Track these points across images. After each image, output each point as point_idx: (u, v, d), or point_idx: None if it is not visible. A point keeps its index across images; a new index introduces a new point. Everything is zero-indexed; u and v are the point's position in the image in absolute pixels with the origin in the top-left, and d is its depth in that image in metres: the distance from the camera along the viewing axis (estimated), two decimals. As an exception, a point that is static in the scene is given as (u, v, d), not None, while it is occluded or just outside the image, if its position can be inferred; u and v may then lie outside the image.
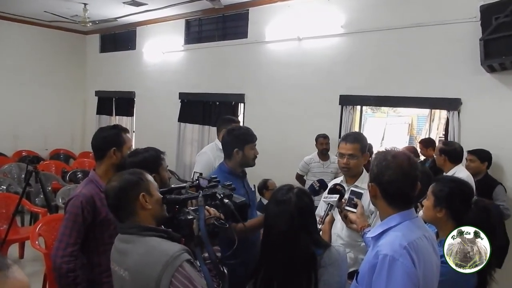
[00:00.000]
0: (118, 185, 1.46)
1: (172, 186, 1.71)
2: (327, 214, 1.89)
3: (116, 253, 1.47)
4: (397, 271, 1.26)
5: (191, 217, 1.50)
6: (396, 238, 1.32)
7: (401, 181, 1.38)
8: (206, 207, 1.56)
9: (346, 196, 2.00)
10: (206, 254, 1.46)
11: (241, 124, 4.17)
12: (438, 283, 1.42)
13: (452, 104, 3.90)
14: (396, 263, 1.26)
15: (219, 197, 1.62)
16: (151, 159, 1.93)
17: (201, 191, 1.64)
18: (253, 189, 2.54)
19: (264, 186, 4.49)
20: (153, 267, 1.32)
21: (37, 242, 3.21)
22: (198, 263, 1.42)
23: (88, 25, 6.24)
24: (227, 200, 1.61)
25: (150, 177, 1.55)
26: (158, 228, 1.46)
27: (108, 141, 2.03)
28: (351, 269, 2.06)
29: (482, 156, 3.53)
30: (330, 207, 1.92)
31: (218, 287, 1.42)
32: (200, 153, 3.21)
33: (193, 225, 1.49)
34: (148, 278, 1.32)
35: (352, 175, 2.24)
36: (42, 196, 4.68)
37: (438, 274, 1.41)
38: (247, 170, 2.39)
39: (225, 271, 1.49)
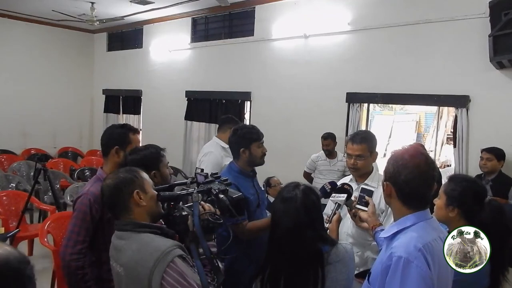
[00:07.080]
0: (113, 183, 1.49)
1: (173, 182, 1.72)
2: (335, 213, 1.89)
3: (113, 249, 1.49)
4: (411, 273, 1.23)
5: (185, 213, 1.51)
6: (411, 240, 1.29)
7: (418, 181, 1.36)
8: (202, 202, 1.56)
9: (356, 194, 1.99)
10: (202, 250, 1.47)
11: (244, 123, 4.13)
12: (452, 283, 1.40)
13: (460, 101, 3.86)
14: (411, 265, 1.24)
15: (214, 192, 1.62)
16: (152, 156, 1.94)
17: (196, 187, 1.64)
18: (262, 188, 2.52)
19: (268, 183, 4.48)
20: (145, 263, 1.34)
21: (46, 239, 3.23)
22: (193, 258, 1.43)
23: (96, 23, 6.27)
24: (222, 195, 1.61)
25: (145, 175, 1.56)
26: (152, 225, 1.48)
27: (112, 139, 2.03)
28: (361, 269, 2.05)
29: (499, 154, 3.47)
30: (338, 206, 1.92)
31: (213, 282, 1.42)
32: (206, 153, 3.14)
33: (187, 221, 1.50)
34: (141, 274, 1.34)
35: (360, 174, 2.22)
36: (50, 194, 4.73)
37: (452, 276, 1.39)
38: (256, 168, 2.38)
39: (220, 266, 1.50)
